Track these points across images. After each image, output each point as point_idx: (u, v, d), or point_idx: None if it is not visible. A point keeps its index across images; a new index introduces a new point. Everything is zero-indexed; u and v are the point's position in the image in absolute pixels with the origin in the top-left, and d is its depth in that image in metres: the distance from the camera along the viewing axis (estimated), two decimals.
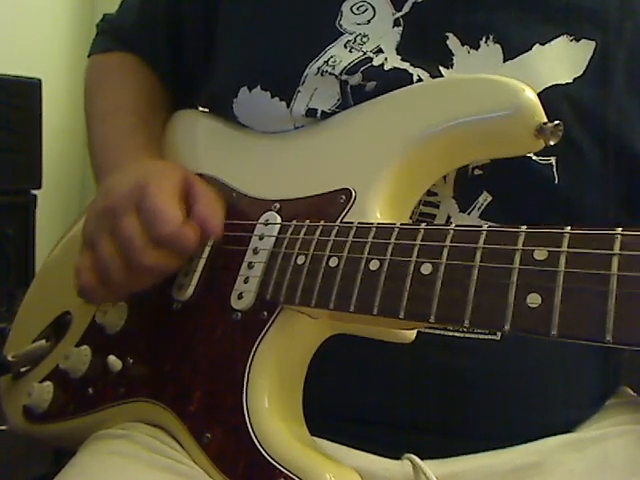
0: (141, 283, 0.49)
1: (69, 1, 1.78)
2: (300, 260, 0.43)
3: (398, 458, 0.46)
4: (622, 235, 0.31)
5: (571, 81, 0.47)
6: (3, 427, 0.60)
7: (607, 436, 0.50)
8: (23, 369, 0.60)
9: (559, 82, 0.47)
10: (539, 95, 0.44)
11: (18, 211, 1.42)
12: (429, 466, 0.44)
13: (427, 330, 0.46)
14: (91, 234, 0.49)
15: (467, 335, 0.46)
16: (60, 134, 1.53)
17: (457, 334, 0.46)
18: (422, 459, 0.45)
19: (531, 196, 0.48)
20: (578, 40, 0.48)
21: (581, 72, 0.48)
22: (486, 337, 0.47)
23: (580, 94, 0.47)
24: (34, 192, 1.45)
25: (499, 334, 0.47)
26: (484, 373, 0.47)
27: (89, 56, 0.69)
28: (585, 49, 0.48)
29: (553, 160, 0.46)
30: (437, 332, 0.46)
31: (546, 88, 0.46)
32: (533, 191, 0.47)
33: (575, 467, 0.47)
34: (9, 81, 1.40)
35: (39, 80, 1.43)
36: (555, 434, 0.49)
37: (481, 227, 0.36)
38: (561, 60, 0.48)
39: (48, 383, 0.56)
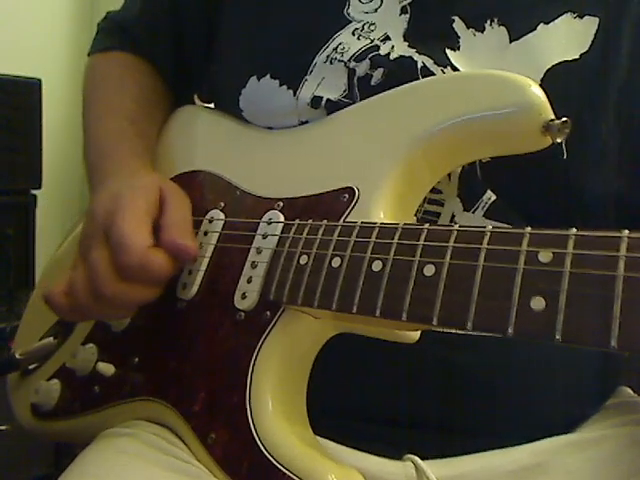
0: (107, 311, 0.49)
1: (69, 1, 1.77)
2: (303, 260, 0.42)
3: (399, 456, 0.46)
4: (629, 237, 0.30)
5: (578, 57, 0.47)
6: (3, 427, 0.60)
7: (608, 437, 0.49)
8: (31, 367, 0.61)
9: (566, 59, 0.47)
10: (547, 72, 0.45)
11: (18, 211, 1.42)
12: (430, 467, 0.44)
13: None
14: (75, 259, 0.50)
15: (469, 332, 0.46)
16: (60, 134, 1.52)
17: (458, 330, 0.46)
18: (423, 457, 0.45)
19: (538, 184, 0.47)
20: (582, 17, 0.49)
21: (587, 47, 0.48)
22: (487, 333, 0.46)
23: (588, 69, 0.47)
24: (34, 192, 1.45)
25: None
26: (485, 370, 0.47)
27: (89, 54, 0.68)
28: (589, 25, 0.48)
29: None
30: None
31: (554, 65, 0.46)
32: (540, 176, 0.47)
33: (576, 468, 0.47)
34: (9, 81, 1.39)
35: (39, 80, 1.43)
36: (556, 433, 0.49)
37: (485, 228, 0.35)
38: (566, 37, 0.48)
39: (55, 381, 0.57)
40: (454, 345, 0.46)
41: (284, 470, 0.38)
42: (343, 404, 0.47)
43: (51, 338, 0.60)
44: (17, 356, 0.60)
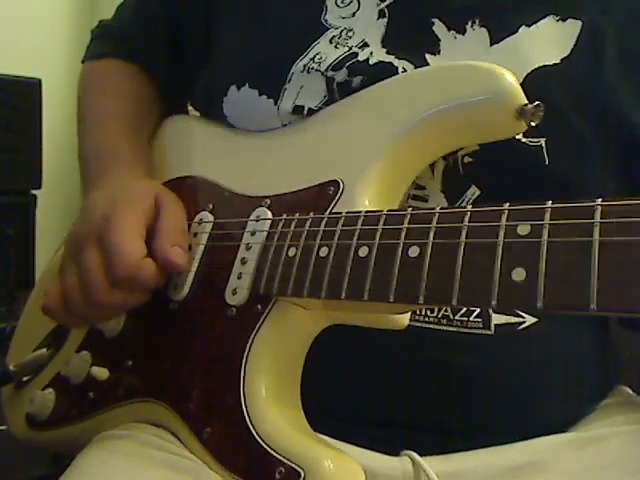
0: (102, 315, 0.50)
1: (69, 1, 1.78)
2: (291, 252, 0.43)
3: (397, 456, 0.46)
4: (602, 205, 0.31)
5: (559, 61, 0.47)
6: (3, 427, 0.60)
7: (606, 436, 0.49)
8: (25, 378, 0.61)
9: (547, 63, 0.47)
10: (527, 77, 0.45)
11: (18, 211, 1.42)
12: (428, 463, 0.44)
13: (424, 326, 0.46)
14: (63, 261, 0.51)
15: (462, 330, 0.46)
16: (60, 134, 1.51)
17: (451, 329, 0.46)
18: (421, 456, 0.45)
19: (521, 184, 0.47)
20: (564, 20, 0.49)
21: (569, 52, 0.48)
22: (480, 332, 0.46)
23: (568, 74, 0.47)
24: (34, 192, 1.45)
25: (492, 329, 0.47)
26: (483, 369, 0.47)
27: (83, 61, 0.69)
28: (572, 28, 0.49)
29: (542, 141, 0.46)
30: (434, 328, 0.46)
31: (534, 70, 0.47)
32: (523, 178, 0.47)
33: (574, 467, 0.47)
34: (9, 81, 1.40)
35: (39, 80, 1.43)
36: (554, 431, 0.49)
37: (465, 208, 0.36)
38: (548, 41, 0.48)
39: (50, 390, 0.56)
40: (453, 346, 0.46)
41: (281, 458, 0.39)
42: (342, 405, 0.48)
43: (44, 349, 0.60)
44: (11, 368, 0.60)
